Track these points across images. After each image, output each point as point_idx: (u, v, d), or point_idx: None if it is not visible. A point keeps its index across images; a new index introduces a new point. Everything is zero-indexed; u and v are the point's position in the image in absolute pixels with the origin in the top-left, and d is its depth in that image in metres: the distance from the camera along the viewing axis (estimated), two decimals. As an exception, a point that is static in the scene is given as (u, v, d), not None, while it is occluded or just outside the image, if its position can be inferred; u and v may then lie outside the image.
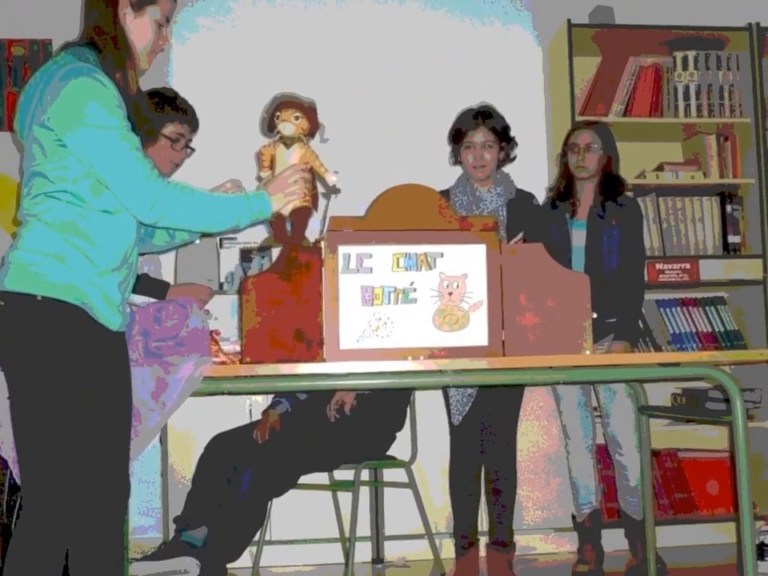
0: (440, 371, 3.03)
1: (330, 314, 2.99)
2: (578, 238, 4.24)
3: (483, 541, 4.31)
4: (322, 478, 4.38)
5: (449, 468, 4.28)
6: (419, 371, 3.03)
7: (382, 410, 4.24)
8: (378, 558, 4.66)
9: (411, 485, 4.32)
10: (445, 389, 4.19)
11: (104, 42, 2.68)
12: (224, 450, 4.08)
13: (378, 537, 4.69)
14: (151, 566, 3.74)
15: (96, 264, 2.59)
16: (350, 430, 4.16)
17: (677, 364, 3.19)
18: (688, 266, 4.90)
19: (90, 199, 2.60)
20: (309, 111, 3.04)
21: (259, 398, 4.60)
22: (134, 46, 2.72)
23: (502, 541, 4.20)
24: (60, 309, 2.54)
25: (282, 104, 3.03)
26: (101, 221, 2.61)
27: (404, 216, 3.07)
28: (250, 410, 4.61)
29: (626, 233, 4.22)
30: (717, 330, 5.04)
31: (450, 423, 4.23)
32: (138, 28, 2.73)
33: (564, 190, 4.33)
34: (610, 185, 4.26)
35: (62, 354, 2.54)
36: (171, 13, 2.80)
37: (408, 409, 4.41)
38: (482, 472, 4.24)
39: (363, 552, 4.61)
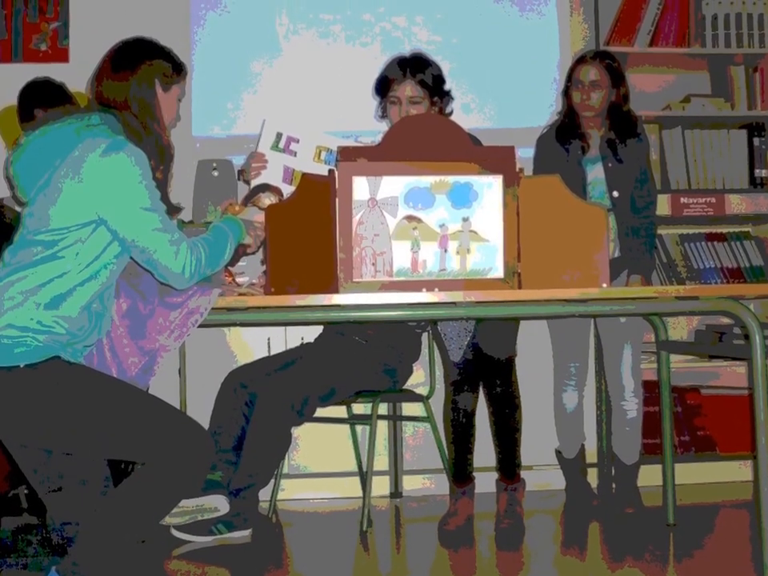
0: (454, 303, 3.00)
1: (346, 247, 3.00)
2: (595, 173, 4.06)
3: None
4: (340, 411, 4.39)
5: (447, 406, 3.96)
6: (434, 303, 3.01)
7: (399, 336, 4.19)
8: (396, 492, 4.68)
9: (429, 419, 4.31)
10: (434, 325, 3.95)
11: (123, 109, 2.75)
12: (239, 383, 4.06)
13: (396, 471, 4.70)
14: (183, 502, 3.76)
15: (71, 340, 2.65)
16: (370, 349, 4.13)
17: (696, 298, 3.14)
18: (713, 200, 4.81)
19: (72, 269, 2.63)
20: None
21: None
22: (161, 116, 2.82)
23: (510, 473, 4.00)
24: (43, 366, 2.58)
25: (271, 189, 3.39)
26: (79, 296, 2.65)
27: (418, 146, 3.04)
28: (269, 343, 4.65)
29: (636, 163, 4.05)
30: (742, 265, 4.95)
31: (445, 360, 3.91)
32: (166, 103, 2.83)
33: (569, 125, 4.09)
34: (622, 122, 4.06)
35: (70, 383, 2.62)
36: (183, 93, 2.92)
37: (424, 342, 4.38)
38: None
39: (382, 486, 4.64)
